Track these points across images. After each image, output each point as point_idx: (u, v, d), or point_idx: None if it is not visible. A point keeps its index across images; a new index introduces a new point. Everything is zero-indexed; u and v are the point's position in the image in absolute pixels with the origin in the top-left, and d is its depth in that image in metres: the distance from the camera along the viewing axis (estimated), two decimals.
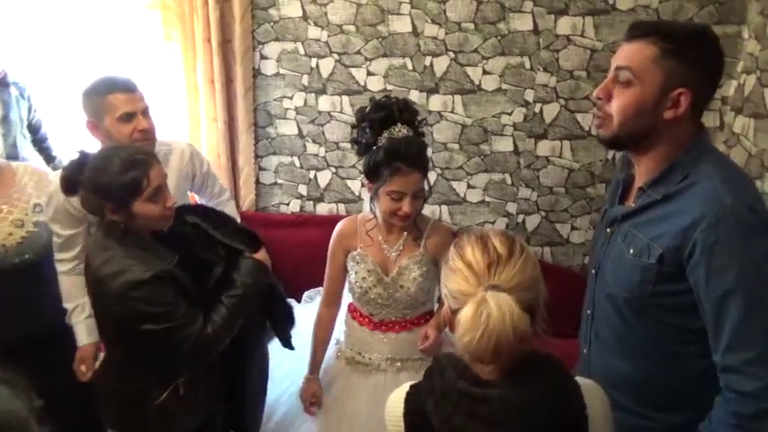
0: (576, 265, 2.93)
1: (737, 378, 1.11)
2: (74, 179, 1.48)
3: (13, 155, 2.39)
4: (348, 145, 2.74)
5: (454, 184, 2.88)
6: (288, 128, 2.88)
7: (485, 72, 2.70)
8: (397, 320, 1.85)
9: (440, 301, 1.94)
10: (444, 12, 2.64)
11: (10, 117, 2.41)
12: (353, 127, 1.79)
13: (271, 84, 2.82)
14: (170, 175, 1.89)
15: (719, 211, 1.12)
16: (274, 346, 1.93)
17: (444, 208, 2.91)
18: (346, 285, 1.93)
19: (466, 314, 0.93)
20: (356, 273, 1.83)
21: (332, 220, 2.17)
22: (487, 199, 2.89)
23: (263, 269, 1.67)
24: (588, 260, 1.55)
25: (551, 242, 2.93)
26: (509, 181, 2.85)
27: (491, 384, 1.00)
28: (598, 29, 2.58)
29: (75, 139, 2.44)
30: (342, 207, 2.99)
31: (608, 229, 1.37)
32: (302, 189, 2.98)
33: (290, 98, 2.84)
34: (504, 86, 2.71)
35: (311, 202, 3.00)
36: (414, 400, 1.07)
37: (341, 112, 2.81)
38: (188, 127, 2.79)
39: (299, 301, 2.57)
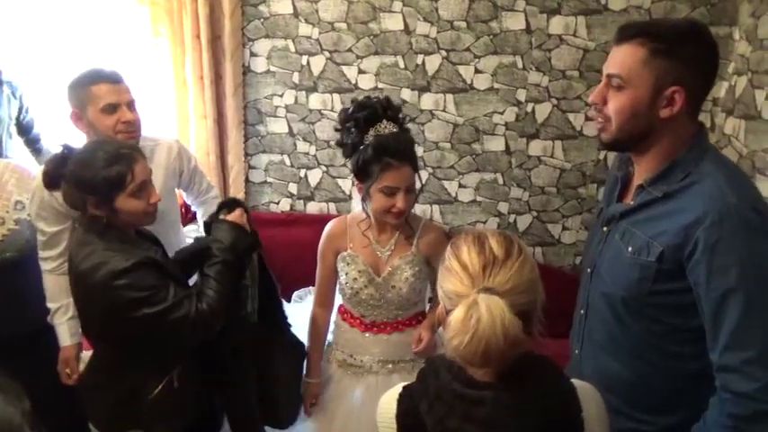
0: (567, 265, 2.93)
1: (734, 378, 1.10)
2: (56, 173, 1.46)
3: None
4: (337, 145, 2.72)
5: (445, 183, 2.86)
6: (278, 126, 2.86)
7: (477, 71, 2.69)
8: (389, 322, 1.83)
9: (431, 301, 1.93)
10: (436, 10, 2.62)
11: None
12: (338, 129, 1.78)
13: (261, 81, 2.79)
14: (156, 171, 1.86)
15: (723, 209, 1.11)
16: None
17: (436, 207, 2.90)
18: (337, 286, 1.91)
19: (456, 316, 0.91)
20: (347, 274, 1.81)
21: (322, 219, 2.15)
22: (479, 198, 2.88)
23: (237, 229, 1.60)
24: (582, 260, 1.54)
25: (542, 242, 2.93)
26: (500, 180, 2.84)
27: (486, 386, 0.98)
28: (590, 29, 2.58)
29: (65, 135, 2.40)
30: (332, 206, 2.96)
31: (604, 228, 1.36)
32: (292, 188, 2.96)
33: (281, 96, 2.81)
34: (497, 86, 2.70)
35: (301, 201, 2.97)
36: (407, 402, 1.06)
37: (332, 110, 2.79)
38: (177, 124, 2.75)
39: (288, 300, 2.55)
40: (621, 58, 1.19)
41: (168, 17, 2.58)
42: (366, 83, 2.75)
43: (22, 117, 2.48)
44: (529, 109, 2.73)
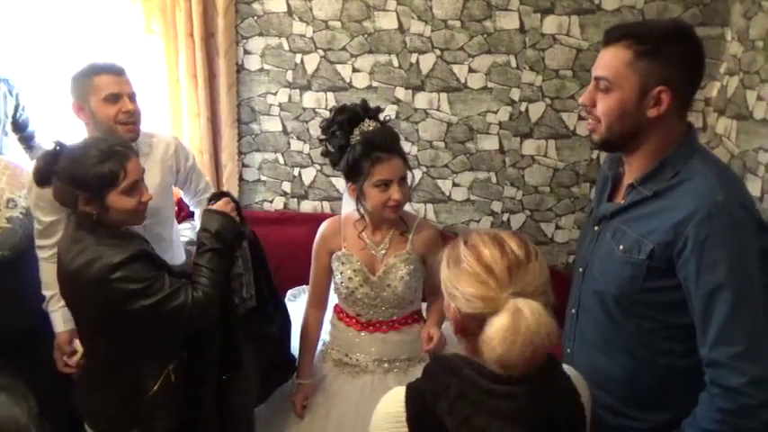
0: (561, 263, 2.94)
1: (723, 373, 1.12)
2: (47, 170, 1.47)
3: None
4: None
5: (439, 182, 2.87)
6: (272, 124, 2.85)
7: (471, 70, 2.70)
8: (385, 321, 1.84)
9: (425, 300, 1.93)
10: (430, 9, 2.62)
11: None
12: (321, 140, 1.79)
13: (254, 79, 2.78)
14: (154, 167, 1.91)
15: (712, 207, 1.13)
16: None
17: (429, 206, 2.90)
18: (332, 286, 1.91)
19: (501, 325, 0.91)
20: (341, 273, 1.81)
21: (316, 218, 2.15)
22: (473, 197, 2.88)
23: (222, 216, 1.63)
24: (574, 259, 1.55)
25: (536, 241, 2.93)
26: (494, 180, 2.85)
27: (513, 381, 0.96)
28: (584, 28, 2.60)
29: (58, 132, 2.39)
30: (326, 204, 2.96)
31: (596, 227, 1.38)
32: (286, 186, 2.95)
33: (275, 94, 2.80)
34: (490, 85, 2.71)
35: (295, 200, 2.97)
36: (419, 403, 1.01)
37: (326, 109, 2.79)
38: (170, 122, 2.74)
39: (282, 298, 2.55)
40: (608, 61, 1.21)
41: (161, 14, 2.56)
42: (360, 81, 2.75)
43: (18, 115, 2.47)
44: (522, 108, 2.73)
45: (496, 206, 2.89)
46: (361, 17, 2.66)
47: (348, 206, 1.85)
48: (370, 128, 1.69)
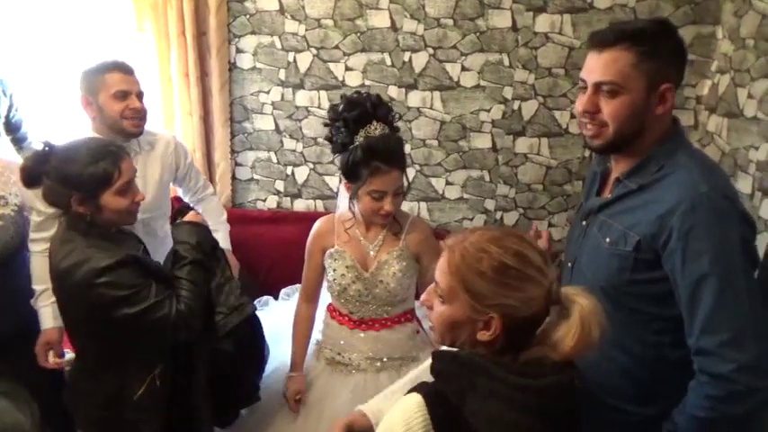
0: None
1: (710, 360, 1.14)
2: (36, 170, 1.45)
3: None
4: (326, 140, 2.72)
5: (433, 180, 2.87)
6: (265, 123, 2.84)
7: (463, 68, 2.70)
8: (377, 318, 1.84)
9: (417, 297, 1.93)
10: (423, 7, 2.62)
11: None
12: (327, 125, 1.77)
13: (247, 78, 2.78)
14: (155, 163, 1.99)
15: (696, 198, 1.15)
16: None
17: (423, 204, 2.91)
18: (324, 284, 1.91)
19: (574, 321, 0.96)
20: (334, 270, 1.81)
21: (309, 217, 2.14)
22: (466, 196, 2.89)
23: (199, 227, 1.65)
24: (564, 254, 1.56)
25: None
26: (487, 178, 2.85)
27: (541, 374, 0.97)
28: (576, 27, 2.60)
29: (49, 131, 2.39)
30: (320, 203, 2.96)
31: (583, 222, 1.39)
32: (279, 185, 2.94)
33: (267, 93, 2.80)
34: (483, 83, 2.71)
35: (288, 199, 2.96)
36: (443, 407, 0.98)
37: (318, 108, 2.78)
38: (162, 121, 2.73)
39: (276, 298, 2.54)
40: (610, 65, 1.21)
41: (153, 12, 2.55)
42: (353, 80, 2.74)
43: (11, 116, 2.45)
44: (515, 106, 2.74)
45: (490, 204, 2.89)
46: (353, 15, 2.66)
47: (343, 202, 1.85)
48: (376, 132, 1.67)
